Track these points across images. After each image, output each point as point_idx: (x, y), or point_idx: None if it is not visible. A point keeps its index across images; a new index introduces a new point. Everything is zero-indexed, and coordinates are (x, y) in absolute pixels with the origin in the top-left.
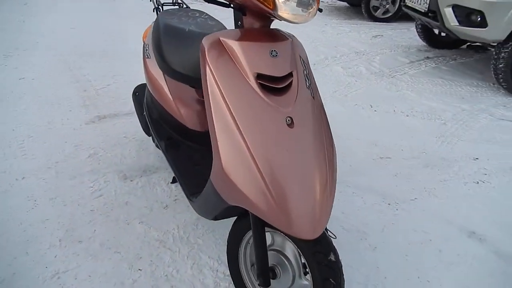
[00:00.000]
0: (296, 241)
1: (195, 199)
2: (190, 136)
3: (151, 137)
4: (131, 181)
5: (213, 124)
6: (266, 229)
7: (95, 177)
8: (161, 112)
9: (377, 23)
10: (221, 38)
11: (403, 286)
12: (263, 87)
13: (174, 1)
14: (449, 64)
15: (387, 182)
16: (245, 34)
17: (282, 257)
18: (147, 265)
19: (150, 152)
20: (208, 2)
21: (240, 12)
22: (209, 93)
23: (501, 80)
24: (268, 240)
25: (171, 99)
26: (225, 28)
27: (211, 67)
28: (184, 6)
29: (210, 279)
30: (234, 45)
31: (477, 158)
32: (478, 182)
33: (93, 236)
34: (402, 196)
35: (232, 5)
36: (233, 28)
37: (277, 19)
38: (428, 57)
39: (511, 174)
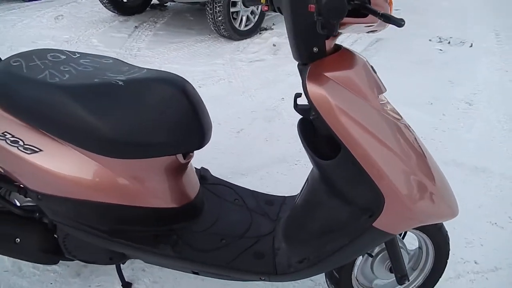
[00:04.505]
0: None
1: (298, 264)
2: (171, 217)
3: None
4: None
5: (378, 167)
6: None
7: None
8: (115, 214)
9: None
10: (326, 74)
11: None
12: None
13: None
14: (160, 28)
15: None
16: (345, 60)
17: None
18: None
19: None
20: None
21: (324, 31)
22: (359, 138)
23: (223, 30)
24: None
25: (129, 186)
26: (144, 68)
27: (346, 111)
28: None
29: None
30: (352, 77)
31: (283, 98)
32: None
33: None
34: None
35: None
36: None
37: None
38: (136, 27)
39: None
